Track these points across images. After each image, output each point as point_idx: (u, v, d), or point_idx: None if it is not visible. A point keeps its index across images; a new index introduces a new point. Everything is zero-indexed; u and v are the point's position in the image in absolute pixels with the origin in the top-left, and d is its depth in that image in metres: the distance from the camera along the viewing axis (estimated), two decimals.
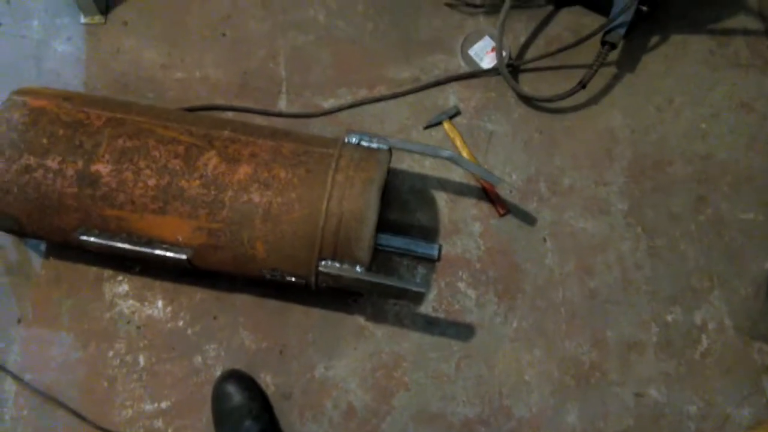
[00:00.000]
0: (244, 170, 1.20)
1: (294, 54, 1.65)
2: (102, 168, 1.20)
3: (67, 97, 1.28)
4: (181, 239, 1.22)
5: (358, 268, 1.23)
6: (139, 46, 1.65)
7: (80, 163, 1.20)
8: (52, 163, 1.20)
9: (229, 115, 1.58)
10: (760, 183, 1.59)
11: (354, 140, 1.30)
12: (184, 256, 1.23)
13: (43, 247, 1.49)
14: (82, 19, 1.66)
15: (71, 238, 1.26)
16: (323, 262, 1.23)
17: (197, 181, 1.20)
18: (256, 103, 1.60)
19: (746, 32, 1.71)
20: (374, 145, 1.31)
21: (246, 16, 1.68)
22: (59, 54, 1.64)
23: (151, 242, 1.23)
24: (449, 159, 1.34)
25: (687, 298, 1.51)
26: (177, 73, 1.63)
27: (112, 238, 1.23)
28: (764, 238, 1.55)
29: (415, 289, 1.27)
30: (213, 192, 1.20)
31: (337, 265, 1.23)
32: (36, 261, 1.49)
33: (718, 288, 1.52)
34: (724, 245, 1.55)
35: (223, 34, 1.66)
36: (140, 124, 1.23)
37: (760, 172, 1.60)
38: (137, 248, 1.23)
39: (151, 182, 1.19)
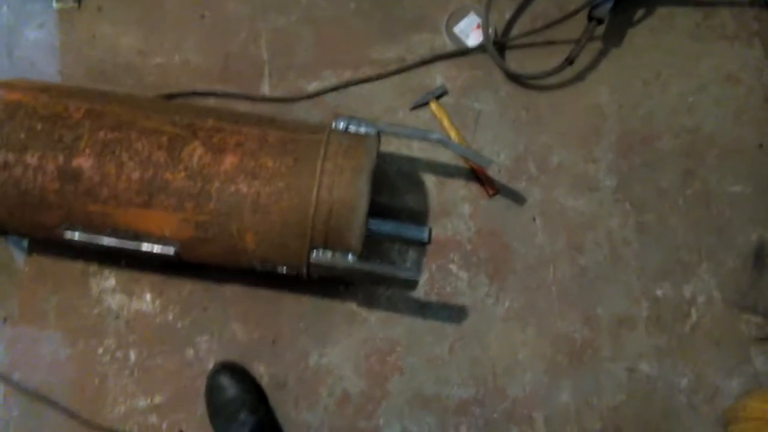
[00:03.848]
0: (230, 160, 1.14)
1: (276, 36, 1.57)
2: (84, 162, 1.13)
3: (44, 88, 1.20)
4: (168, 233, 1.16)
5: (350, 257, 1.17)
6: (116, 31, 1.56)
7: (61, 158, 1.13)
8: (32, 159, 1.13)
9: (212, 100, 1.51)
10: (747, 155, 1.56)
11: (342, 125, 1.24)
12: (172, 250, 1.17)
13: (25, 243, 1.43)
14: (55, 5, 1.56)
15: (55, 235, 1.19)
16: (315, 252, 1.17)
17: (182, 173, 1.13)
18: (238, 87, 1.53)
19: (732, 3, 1.66)
20: (362, 130, 1.24)
21: None
22: (31, 41, 1.55)
23: (137, 236, 1.18)
24: (438, 142, 1.28)
25: (676, 272, 1.48)
26: (156, 59, 1.54)
27: (97, 234, 1.17)
28: (751, 211, 1.53)
29: (407, 275, 1.22)
30: (199, 184, 1.14)
31: (329, 254, 1.17)
32: (19, 258, 1.42)
33: (707, 261, 1.49)
34: (712, 218, 1.52)
35: (202, 17, 1.57)
36: (121, 116, 1.16)
37: (747, 145, 1.57)
38: (123, 244, 1.15)
39: (135, 175, 1.13)
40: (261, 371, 1.37)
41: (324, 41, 1.58)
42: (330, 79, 1.55)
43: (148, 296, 1.41)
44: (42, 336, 1.38)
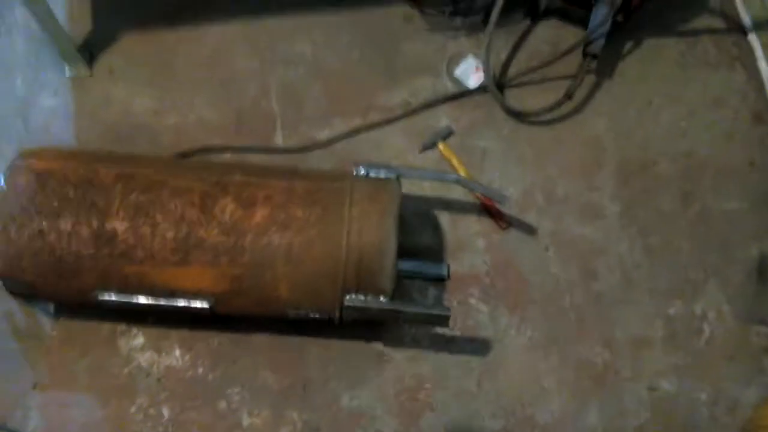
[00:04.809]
0: (261, 213, 1.18)
1: (285, 89, 1.62)
2: (118, 225, 1.16)
3: (71, 155, 1.23)
4: (203, 288, 1.19)
5: (382, 299, 1.19)
6: (128, 93, 1.60)
7: (95, 223, 1.16)
8: (66, 225, 1.15)
9: (228, 155, 1.54)
10: (740, 173, 1.63)
11: (363, 172, 1.27)
12: (207, 305, 1.17)
13: (51, 307, 1.42)
14: (67, 72, 1.60)
15: (88, 299, 1.19)
16: (348, 296, 1.19)
17: (216, 229, 1.16)
18: (252, 140, 1.57)
19: (712, 31, 1.74)
20: (382, 175, 1.27)
21: (233, 55, 1.65)
22: (47, 109, 1.58)
23: (172, 294, 1.18)
24: (456, 182, 1.31)
25: (686, 290, 1.53)
26: (170, 118, 1.58)
27: (132, 296, 1.18)
28: (749, 226, 1.58)
29: (439, 312, 1.24)
30: (233, 238, 1.17)
31: (362, 297, 1.19)
32: (46, 323, 1.42)
33: (713, 278, 1.54)
34: (713, 236, 1.58)
35: (212, 76, 1.61)
36: (151, 177, 1.20)
37: (739, 164, 1.64)
38: (159, 301, 1.17)
39: (170, 234, 1.15)
40: (294, 418, 1.38)
41: (332, 91, 1.63)
42: (340, 127, 1.59)
43: (178, 352, 1.41)
44: (74, 399, 1.38)
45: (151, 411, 1.37)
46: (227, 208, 1.17)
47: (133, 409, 1.37)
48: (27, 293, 1.25)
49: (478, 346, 1.45)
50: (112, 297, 1.19)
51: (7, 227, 1.16)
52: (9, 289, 1.26)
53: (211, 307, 1.20)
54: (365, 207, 1.21)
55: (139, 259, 1.16)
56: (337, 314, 1.24)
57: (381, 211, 1.21)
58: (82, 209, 1.16)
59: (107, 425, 1.36)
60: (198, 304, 1.20)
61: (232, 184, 1.21)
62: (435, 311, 1.26)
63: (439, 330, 1.44)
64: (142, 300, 1.20)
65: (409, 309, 1.25)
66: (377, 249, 1.19)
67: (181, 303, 1.20)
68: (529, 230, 1.53)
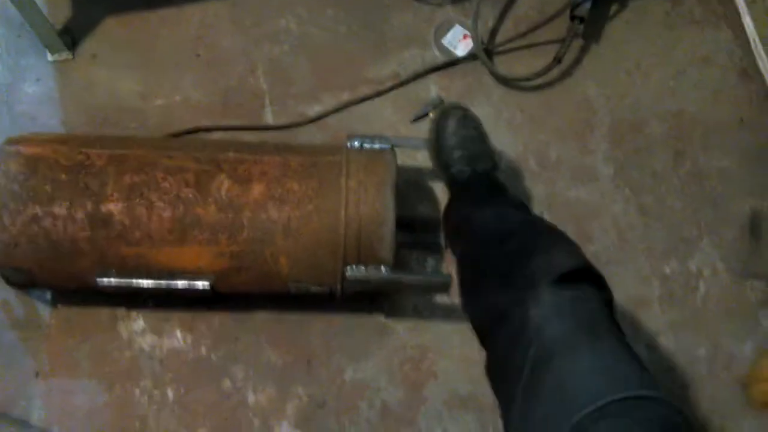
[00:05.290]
0: (257, 189, 1.16)
1: (272, 66, 1.59)
2: (113, 207, 1.13)
3: (61, 140, 1.20)
4: (203, 267, 1.17)
5: (383, 269, 1.18)
6: (113, 77, 1.56)
7: (89, 205, 1.13)
8: (60, 209, 1.13)
9: (217, 135, 1.51)
10: (730, 131, 1.62)
11: (356, 144, 1.25)
12: (207, 284, 1.16)
13: (48, 295, 1.40)
14: (49, 57, 1.55)
15: (87, 283, 1.17)
16: (349, 268, 1.18)
17: (213, 206, 1.14)
18: (241, 119, 1.54)
19: None
20: (377, 146, 1.26)
21: (217, 34, 1.61)
22: (30, 96, 1.54)
23: (172, 274, 1.17)
24: None
25: (680, 249, 1.53)
26: (156, 100, 1.54)
27: (131, 277, 1.16)
28: (741, 183, 1.58)
29: (440, 279, 1.24)
30: (230, 215, 1.15)
31: (363, 268, 1.18)
32: (44, 310, 1.40)
33: (707, 235, 1.54)
34: (705, 194, 1.58)
35: (197, 55, 1.58)
36: (143, 158, 1.17)
37: (729, 121, 1.63)
38: (159, 284, 1.15)
39: (166, 214, 1.13)
40: (299, 393, 1.37)
41: (320, 66, 1.60)
42: (330, 102, 1.56)
43: (179, 333, 1.40)
44: (76, 386, 1.36)
45: (156, 393, 1.36)
46: (223, 185, 1.15)
47: (137, 393, 1.36)
48: (24, 281, 1.22)
49: None
50: (112, 281, 1.17)
51: (1, 214, 1.14)
52: (6, 278, 1.24)
53: (211, 286, 1.19)
54: (361, 178, 1.19)
55: (136, 240, 1.14)
56: (339, 287, 1.23)
57: (378, 181, 1.20)
58: (76, 193, 1.14)
59: (112, 410, 1.35)
60: (199, 284, 1.18)
61: (226, 161, 1.19)
62: (435, 278, 1.26)
63: (440, 299, 1.45)
64: (142, 283, 1.18)
65: (410, 277, 1.25)
66: (376, 219, 1.18)
67: (182, 284, 1.18)
68: (524, 196, 1.52)
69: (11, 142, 1.20)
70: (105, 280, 1.17)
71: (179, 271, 1.17)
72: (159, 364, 1.37)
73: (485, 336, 1.07)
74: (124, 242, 1.14)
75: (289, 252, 1.17)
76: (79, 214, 1.13)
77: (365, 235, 1.17)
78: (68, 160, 1.15)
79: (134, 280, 1.18)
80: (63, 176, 1.14)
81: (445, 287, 1.28)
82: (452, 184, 1.37)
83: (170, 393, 1.36)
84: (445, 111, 1.39)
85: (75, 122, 1.52)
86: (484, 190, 1.31)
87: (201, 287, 1.19)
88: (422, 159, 1.54)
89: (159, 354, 1.38)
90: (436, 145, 1.37)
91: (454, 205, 1.35)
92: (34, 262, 1.16)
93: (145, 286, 1.19)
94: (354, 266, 1.19)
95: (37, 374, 1.36)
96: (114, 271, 1.16)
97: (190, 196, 1.14)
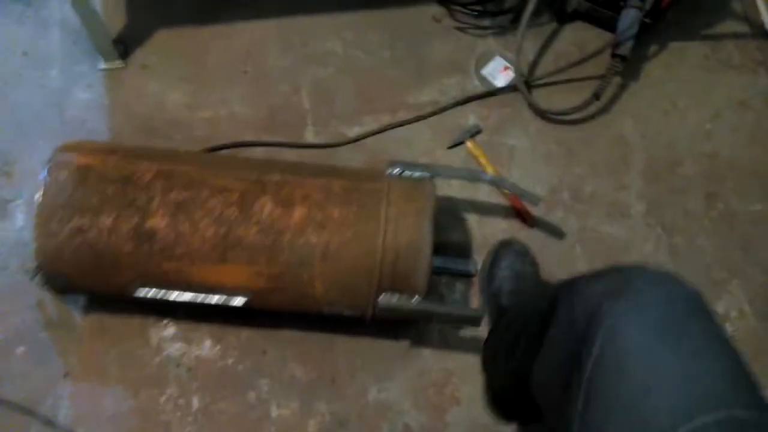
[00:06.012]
0: (299, 213, 1.15)
1: (316, 86, 1.61)
2: (158, 222, 1.13)
3: (111, 150, 1.21)
4: (240, 284, 1.17)
5: (416, 298, 1.18)
6: (162, 88, 1.58)
7: (135, 220, 1.14)
8: (106, 221, 1.13)
9: (260, 150, 1.52)
10: (763, 176, 1.61)
11: (397, 171, 1.25)
12: (243, 300, 1.16)
13: (82, 299, 1.41)
14: (102, 65, 1.58)
15: (125, 292, 1.18)
16: (382, 295, 1.18)
17: (255, 228, 1.14)
18: (284, 136, 1.55)
19: (735, 36, 1.72)
20: (417, 174, 1.26)
21: (266, 53, 1.63)
22: (82, 101, 1.56)
23: (209, 290, 1.17)
24: (491, 182, 1.30)
25: (709, 290, 1.50)
26: (203, 113, 1.56)
27: (169, 291, 1.16)
28: None
29: (472, 313, 1.23)
30: (271, 237, 1.15)
31: (396, 296, 1.19)
32: (77, 313, 1.40)
33: (736, 278, 1.52)
34: (737, 237, 1.55)
35: (245, 71, 1.60)
36: (190, 175, 1.17)
37: (763, 166, 1.62)
38: (196, 297, 1.15)
39: (209, 233, 1.13)
40: (322, 410, 1.36)
41: (362, 89, 1.61)
42: (370, 125, 1.57)
43: (208, 343, 1.39)
44: (103, 389, 1.36)
45: (181, 401, 1.35)
46: (266, 207, 1.15)
47: (162, 399, 1.35)
48: (63, 286, 1.23)
49: None
50: (150, 292, 1.18)
51: (48, 222, 1.14)
52: (46, 282, 1.25)
53: (247, 303, 1.19)
54: (402, 207, 1.18)
55: (178, 256, 1.14)
56: (370, 312, 1.22)
57: (417, 211, 1.19)
58: (122, 206, 1.14)
59: (137, 415, 1.34)
60: (235, 301, 1.19)
61: (271, 182, 1.19)
62: (467, 312, 1.25)
63: (470, 329, 1.43)
64: (180, 295, 1.19)
65: (442, 309, 1.24)
66: (413, 249, 1.17)
67: (218, 299, 1.18)
68: (556, 228, 1.51)
69: (63, 150, 1.21)
70: (143, 290, 1.17)
71: (217, 287, 1.17)
72: (186, 372, 1.37)
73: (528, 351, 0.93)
74: (165, 257, 1.14)
75: (326, 276, 1.17)
76: (124, 228, 1.13)
77: (401, 264, 1.16)
78: (117, 173, 1.16)
79: (172, 293, 1.19)
80: (110, 189, 1.14)
81: (476, 322, 1.27)
82: (497, 314, 1.33)
83: (195, 401, 1.35)
84: (505, 243, 1.39)
85: (122, 130, 1.54)
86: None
87: (237, 304, 1.19)
88: (456, 186, 1.54)
89: (187, 362, 1.38)
90: (490, 273, 1.36)
91: (494, 337, 1.29)
92: (76, 269, 1.17)
93: (183, 299, 1.19)
94: (388, 293, 1.18)
95: (66, 375, 1.36)
96: (153, 283, 1.17)
97: (234, 216, 1.14)
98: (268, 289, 1.18)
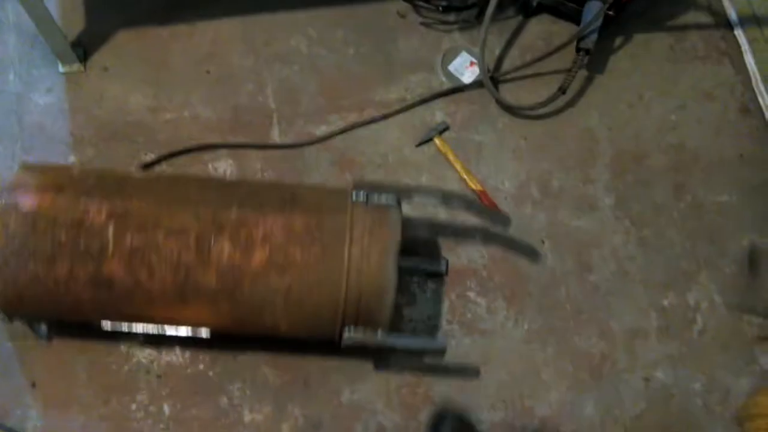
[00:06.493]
0: (259, 256, 1.12)
1: (281, 85, 1.58)
2: (114, 269, 1.11)
3: (58, 186, 1.14)
4: (203, 322, 1.17)
5: (380, 333, 1.19)
6: (123, 90, 1.54)
7: (91, 267, 1.10)
8: (61, 270, 1.10)
9: (224, 152, 1.49)
10: (730, 166, 1.61)
11: (361, 198, 1.22)
12: (205, 335, 1.19)
13: None
14: (61, 69, 1.53)
15: (90, 325, 1.18)
16: (347, 333, 1.18)
17: (213, 274, 1.12)
18: (249, 136, 1.52)
19: (700, 27, 1.72)
20: (383, 200, 1.23)
21: (228, 52, 1.59)
22: (41, 106, 1.52)
23: (174, 325, 1.18)
24: (460, 206, 1.29)
25: (679, 281, 1.51)
26: (165, 115, 1.53)
27: (133, 324, 1.18)
28: (740, 217, 1.56)
29: (435, 346, 1.26)
30: (231, 282, 1.13)
31: (360, 332, 1.19)
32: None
33: (705, 269, 1.52)
34: (705, 228, 1.56)
35: (208, 72, 1.57)
36: (144, 214, 1.12)
37: (729, 156, 1.62)
38: (160, 330, 1.18)
39: (168, 278, 1.11)
40: (296, 413, 1.34)
41: (328, 87, 1.58)
42: (337, 123, 1.55)
43: (178, 349, 1.36)
44: (73, 397, 1.32)
45: (152, 408, 1.32)
46: (224, 251, 1.11)
47: (133, 407, 1.32)
48: (28, 320, 1.23)
49: (476, 339, 1.41)
50: (114, 326, 1.18)
51: (3, 270, 1.11)
52: (9, 320, 1.24)
53: (210, 337, 1.20)
54: (365, 245, 1.15)
55: (138, 302, 1.12)
56: (337, 341, 1.22)
57: (381, 251, 1.16)
58: (77, 254, 1.10)
59: (107, 423, 1.31)
60: (202, 333, 1.21)
61: (228, 222, 1.14)
62: (431, 344, 1.27)
63: (438, 324, 1.41)
64: (145, 329, 1.18)
65: (406, 342, 1.26)
66: (377, 290, 1.15)
67: (184, 331, 1.19)
68: (525, 223, 1.50)
69: (10, 189, 1.14)
70: (107, 324, 1.16)
71: (181, 323, 1.17)
72: (156, 378, 1.34)
73: None
74: (126, 303, 1.12)
75: (289, 317, 1.15)
76: (81, 275, 1.10)
77: (364, 304, 1.15)
78: (68, 216, 1.11)
79: (137, 326, 1.18)
80: (63, 236, 1.10)
81: (441, 352, 1.29)
82: None
83: (166, 408, 1.32)
84: (441, 416, 1.36)
85: (83, 134, 1.50)
86: None
87: (204, 335, 1.21)
88: (425, 182, 1.52)
89: (157, 368, 1.34)
90: None
91: None
92: (37, 310, 1.16)
93: (148, 331, 1.19)
94: (352, 329, 1.17)
95: (33, 384, 1.32)
96: (116, 320, 1.16)
97: (191, 261, 1.11)
98: (232, 326, 1.17)
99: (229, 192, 1.20)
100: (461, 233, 1.48)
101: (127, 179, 1.20)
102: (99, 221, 1.11)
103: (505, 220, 1.49)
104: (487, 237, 1.47)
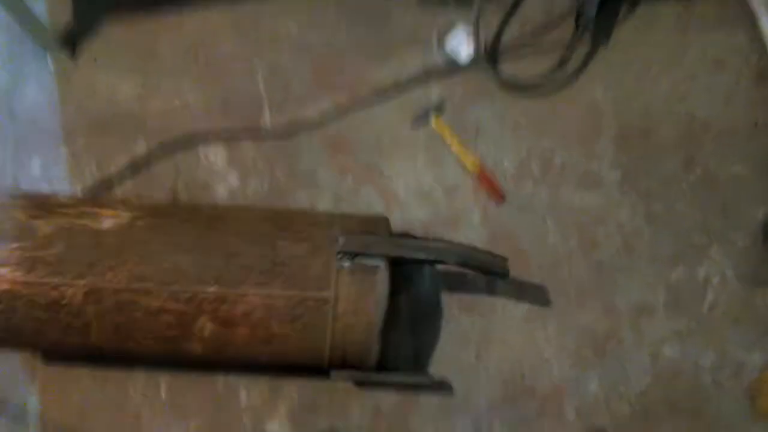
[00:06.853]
0: (241, 332, 1.48)
1: (271, 69, 1.91)
2: (101, 341, 1.51)
3: (26, 258, 1.43)
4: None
5: (366, 374, 1.60)
6: (113, 81, 1.90)
7: (77, 340, 1.50)
8: (51, 338, 1.51)
9: (213, 147, 1.87)
10: (743, 136, 1.89)
11: (347, 264, 1.50)
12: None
13: None
14: (50, 62, 1.90)
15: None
16: (333, 373, 1.58)
17: (199, 346, 1.51)
18: (240, 123, 1.87)
19: None
20: (371, 262, 1.51)
21: (217, 39, 1.94)
22: (31, 100, 1.89)
23: None
24: (457, 263, 1.60)
25: (688, 256, 1.81)
26: (156, 104, 1.88)
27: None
28: (754, 189, 1.85)
29: (427, 381, 1.71)
30: (216, 350, 1.52)
31: (347, 372, 1.59)
32: None
33: (717, 242, 1.81)
34: (717, 200, 1.84)
35: (197, 59, 1.92)
36: (119, 295, 1.44)
37: (742, 125, 1.90)
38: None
39: (155, 346, 1.52)
40: (292, 393, 1.73)
41: (320, 70, 1.91)
42: (329, 106, 1.88)
43: None
44: (72, 381, 1.72)
45: (149, 392, 1.71)
46: (206, 328, 1.46)
47: (131, 391, 1.71)
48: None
49: (476, 319, 1.75)
50: None
51: None
52: None
53: None
54: (349, 321, 1.47)
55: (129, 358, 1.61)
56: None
57: (366, 324, 1.48)
58: (60, 330, 1.47)
59: (106, 406, 1.70)
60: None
61: (207, 299, 1.45)
62: (420, 380, 1.70)
63: (437, 304, 1.79)
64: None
65: (394, 380, 1.68)
66: (361, 353, 1.51)
67: None
68: (526, 202, 1.82)
69: None
70: None
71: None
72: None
73: None
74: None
75: (274, 363, 1.60)
76: (69, 342, 1.51)
77: (349, 363, 1.54)
78: (43, 297, 1.43)
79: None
80: (44, 315, 1.44)
81: (442, 387, 1.69)
82: None
83: (163, 392, 1.71)
84: None
85: (74, 127, 1.86)
86: None
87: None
88: (422, 165, 1.88)
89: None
90: None
91: None
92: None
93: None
94: (338, 371, 1.57)
95: (34, 366, 1.72)
96: None
97: (176, 335, 1.47)
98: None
99: (206, 256, 1.49)
100: (460, 212, 1.83)
101: (96, 242, 1.47)
102: (76, 302, 1.44)
103: (502, 198, 1.85)
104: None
